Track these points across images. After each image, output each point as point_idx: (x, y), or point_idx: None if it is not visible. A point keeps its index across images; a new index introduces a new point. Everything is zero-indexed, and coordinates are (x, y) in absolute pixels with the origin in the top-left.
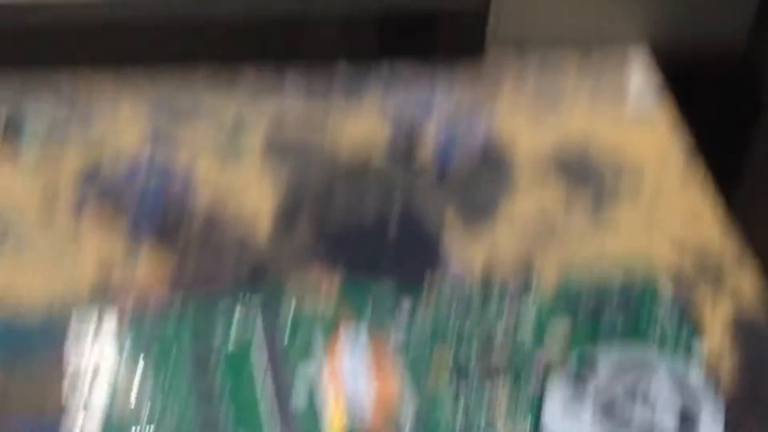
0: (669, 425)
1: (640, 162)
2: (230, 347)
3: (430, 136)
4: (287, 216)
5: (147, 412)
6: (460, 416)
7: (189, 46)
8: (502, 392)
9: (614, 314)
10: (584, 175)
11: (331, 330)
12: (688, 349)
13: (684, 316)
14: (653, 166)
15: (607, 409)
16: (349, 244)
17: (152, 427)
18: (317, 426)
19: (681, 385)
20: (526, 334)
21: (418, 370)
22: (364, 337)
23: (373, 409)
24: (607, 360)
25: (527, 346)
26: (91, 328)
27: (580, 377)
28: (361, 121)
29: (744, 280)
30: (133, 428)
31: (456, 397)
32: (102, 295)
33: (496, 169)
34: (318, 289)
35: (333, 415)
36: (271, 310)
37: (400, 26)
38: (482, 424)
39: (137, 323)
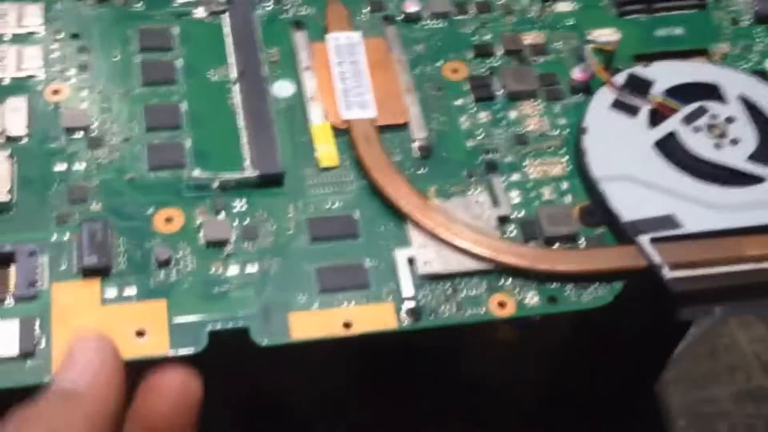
0: (740, 162)
1: None
2: (190, 51)
3: None
4: None
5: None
6: (481, 136)
7: None
8: (531, 111)
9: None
10: None
11: (319, 34)
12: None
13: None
14: None
15: (664, 142)
16: None
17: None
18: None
19: (755, 111)
20: (564, 42)
21: (428, 85)
22: (359, 44)
23: (375, 112)
24: (665, 80)
25: (565, 58)
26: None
27: (629, 100)
28: None
29: None
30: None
31: (474, 116)
32: None
33: None
34: None
35: (324, 111)
36: (243, 10)
37: None
38: (507, 144)
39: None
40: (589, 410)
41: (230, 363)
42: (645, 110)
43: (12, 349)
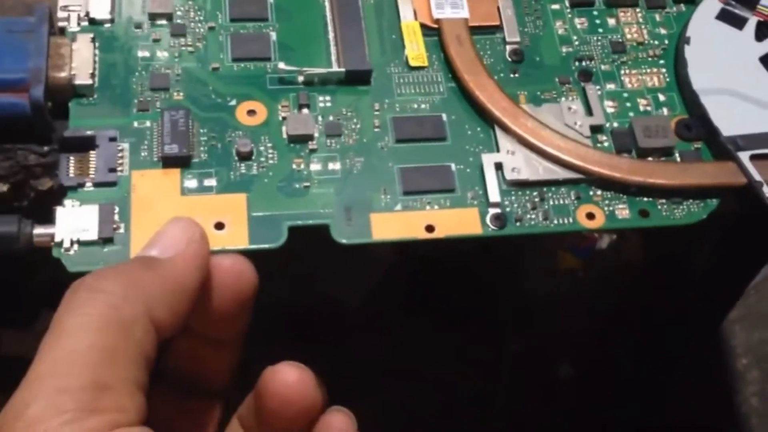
0: None
1: None
2: None
3: None
4: None
5: None
6: (576, 43)
7: None
8: (630, 19)
9: None
10: None
11: None
12: None
13: None
14: None
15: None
16: None
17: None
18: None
19: None
20: None
21: None
22: None
23: (468, 13)
24: None
25: None
26: None
27: (736, 11)
28: None
29: None
30: None
31: (570, 22)
32: None
33: None
34: None
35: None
36: None
37: None
38: (604, 52)
39: None
40: (650, 347)
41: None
42: (752, 22)
43: (91, 233)
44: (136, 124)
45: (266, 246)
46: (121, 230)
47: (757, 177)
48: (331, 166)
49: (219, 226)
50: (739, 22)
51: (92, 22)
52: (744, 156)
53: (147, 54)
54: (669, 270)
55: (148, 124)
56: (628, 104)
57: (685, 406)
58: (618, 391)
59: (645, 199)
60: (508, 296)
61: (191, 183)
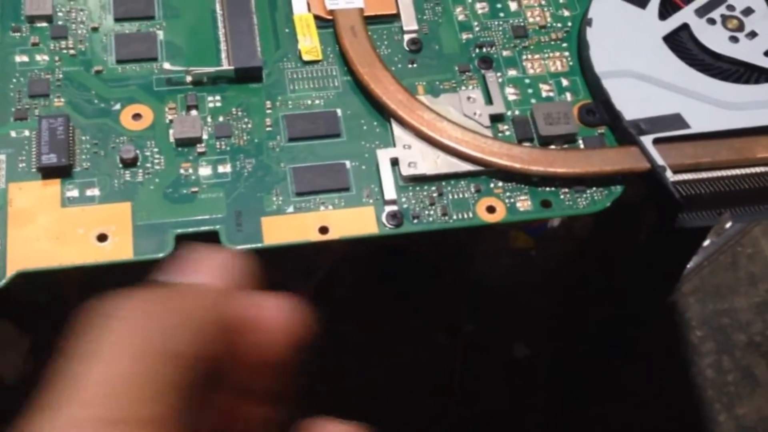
0: (756, 57)
1: None
2: None
3: None
4: None
5: None
6: (477, 29)
7: None
8: (532, 2)
9: None
10: None
11: None
12: None
13: None
14: None
15: (674, 36)
16: None
17: None
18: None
19: None
20: None
21: None
22: None
23: (363, 2)
24: None
25: None
26: None
27: None
28: None
29: None
30: None
31: (470, 7)
32: None
33: None
34: None
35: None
36: None
37: None
38: (505, 37)
39: None
40: (604, 323)
41: None
42: (655, 1)
43: None
44: (13, 133)
45: (151, 256)
46: None
47: (660, 161)
48: (221, 169)
49: (102, 237)
50: (642, 2)
51: None
52: (647, 140)
53: (25, 59)
54: (616, 245)
55: (26, 133)
56: (530, 91)
57: (640, 381)
58: (573, 369)
59: (547, 189)
60: (462, 277)
61: (72, 193)
